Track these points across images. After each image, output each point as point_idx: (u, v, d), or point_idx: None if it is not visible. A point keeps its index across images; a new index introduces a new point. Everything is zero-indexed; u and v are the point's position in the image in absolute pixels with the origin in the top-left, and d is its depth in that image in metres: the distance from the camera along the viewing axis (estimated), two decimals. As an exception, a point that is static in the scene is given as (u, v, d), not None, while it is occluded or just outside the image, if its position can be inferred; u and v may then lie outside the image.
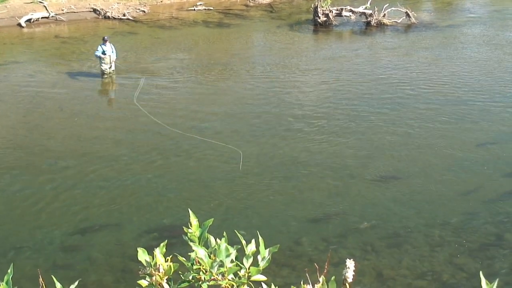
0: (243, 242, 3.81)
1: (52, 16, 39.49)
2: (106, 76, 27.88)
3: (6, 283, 3.72)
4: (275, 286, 3.82)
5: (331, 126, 22.07)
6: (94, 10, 40.90)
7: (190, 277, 3.79)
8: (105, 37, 28.21)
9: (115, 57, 28.14)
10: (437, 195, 17.34)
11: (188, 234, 3.82)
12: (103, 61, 27.76)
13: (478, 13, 41.86)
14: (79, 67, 29.76)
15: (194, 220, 3.80)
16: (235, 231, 4.19)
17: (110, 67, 27.95)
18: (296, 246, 14.91)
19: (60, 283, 3.90)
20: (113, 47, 28.04)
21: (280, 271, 13.78)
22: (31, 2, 40.00)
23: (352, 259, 3.39)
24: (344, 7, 39.20)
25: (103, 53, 27.59)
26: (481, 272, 3.15)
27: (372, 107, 23.92)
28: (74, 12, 40.48)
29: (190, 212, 3.89)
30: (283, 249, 14.51)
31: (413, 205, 16.81)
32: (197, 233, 3.77)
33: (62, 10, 40.29)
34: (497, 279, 3.01)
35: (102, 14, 40.48)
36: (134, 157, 19.90)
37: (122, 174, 18.69)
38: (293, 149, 20.24)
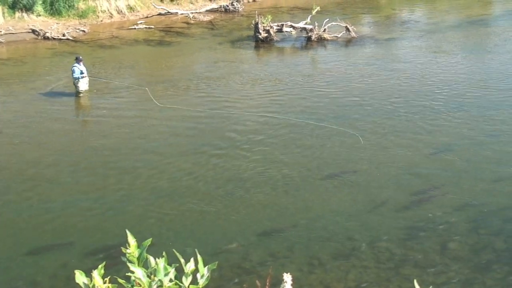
0: (182, 260, 3.80)
1: (-10, 38, 38.89)
2: (81, 95, 27.51)
3: None
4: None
5: (275, 140, 22.18)
6: (33, 31, 40.33)
7: (131, 298, 3.76)
8: (80, 57, 27.76)
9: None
10: (381, 206, 17.54)
11: (127, 254, 3.79)
12: (81, 81, 27.35)
13: (417, 25, 42.64)
14: (20, 88, 29.31)
15: (132, 240, 3.78)
16: (173, 250, 4.17)
17: (86, 84, 27.61)
18: (244, 262, 14.88)
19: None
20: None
21: (228, 288, 13.76)
22: (-32, 24, 39.34)
23: (289, 273, 3.41)
24: (284, 23, 39.52)
25: (81, 73, 27.17)
26: (415, 280, 3.21)
27: (315, 120, 24.07)
28: (12, 33, 39.87)
29: (128, 232, 3.87)
30: (231, 266, 14.51)
31: (358, 217, 16.97)
32: (136, 253, 3.75)
33: (0, 31, 39.69)
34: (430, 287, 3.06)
35: (42, 34, 39.91)
36: (76, 177, 19.70)
37: (65, 195, 18.46)
38: (233, 164, 20.26)
